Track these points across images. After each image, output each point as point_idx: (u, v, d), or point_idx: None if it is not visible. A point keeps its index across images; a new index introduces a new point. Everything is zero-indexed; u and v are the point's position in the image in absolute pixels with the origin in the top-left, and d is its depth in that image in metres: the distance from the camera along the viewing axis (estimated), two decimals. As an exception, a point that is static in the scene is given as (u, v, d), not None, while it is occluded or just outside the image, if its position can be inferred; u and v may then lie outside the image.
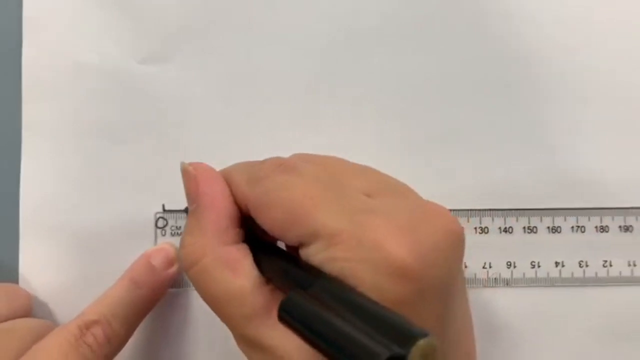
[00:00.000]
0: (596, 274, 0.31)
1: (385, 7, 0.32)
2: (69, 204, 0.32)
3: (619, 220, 0.31)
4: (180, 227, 0.32)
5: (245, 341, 0.25)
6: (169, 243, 0.31)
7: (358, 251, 0.22)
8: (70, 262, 0.32)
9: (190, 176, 0.26)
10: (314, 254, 0.23)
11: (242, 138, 0.33)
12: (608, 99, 0.32)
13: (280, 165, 0.25)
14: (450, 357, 0.24)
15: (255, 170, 0.26)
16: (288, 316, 0.21)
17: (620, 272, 0.31)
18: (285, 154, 0.28)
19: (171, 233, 0.32)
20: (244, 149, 0.31)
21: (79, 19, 0.32)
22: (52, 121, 0.32)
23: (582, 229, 0.31)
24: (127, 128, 0.32)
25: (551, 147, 0.32)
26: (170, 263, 0.30)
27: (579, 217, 0.31)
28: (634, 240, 0.31)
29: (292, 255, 0.24)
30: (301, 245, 0.24)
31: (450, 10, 0.32)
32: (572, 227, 0.31)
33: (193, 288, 0.30)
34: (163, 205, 0.32)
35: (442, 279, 0.23)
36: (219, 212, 0.25)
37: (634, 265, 0.31)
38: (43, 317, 0.32)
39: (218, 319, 0.30)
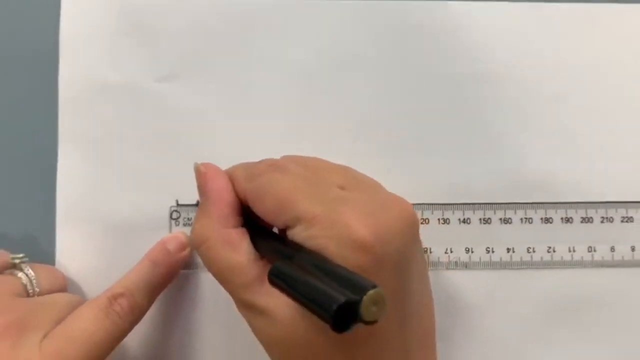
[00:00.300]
0: (541, 258, 0.34)
1: (360, 37, 0.35)
2: (98, 199, 0.35)
3: (561, 213, 0.35)
4: (190, 218, 0.34)
5: (244, 305, 0.28)
6: (181, 232, 0.34)
7: (330, 230, 0.26)
8: (99, 248, 0.35)
9: (201, 173, 0.30)
10: (297, 234, 0.27)
11: (241, 144, 0.35)
12: (550, 112, 0.35)
13: (272, 165, 0.29)
14: (408, 328, 0.27)
15: (252, 168, 0.30)
16: (275, 279, 0.25)
17: (562, 257, 0.34)
18: (277, 156, 0.31)
19: (183, 223, 0.35)
20: (242, 152, 0.33)
21: (107, 44, 0.35)
22: (83, 129, 0.35)
23: (530, 220, 0.35)
24: (146, 136, 0.35)
25: (503, 151, 0.35)
26: (182, 247, 0.34)
27: (526, 210, 0.35)
28: (574, 229, 0.34)
29: (280, 236, 0.28)
30: (287, 227, 0.27)
31: (418, 40, 0.35)
32: (521, 219, 0.34)
33: (202, 270, 0.34)
34: (177, 200, 0.35)
35: (397, 254, 0.26)
36: (222, 202, 0.29)
37: (574, 250, 0.34)
38: (75, 293, 0.34)
39: (221, 296, 0.32)
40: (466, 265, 0.34)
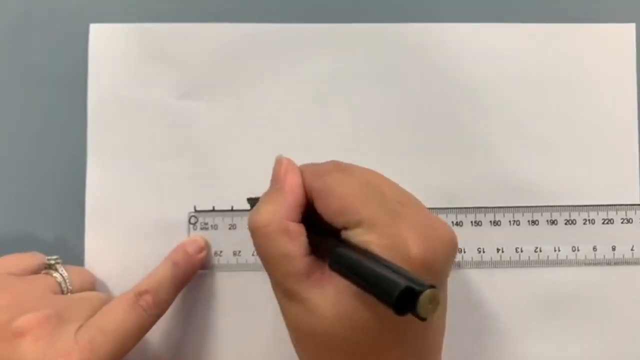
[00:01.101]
0: (529, 257, 0.36)
1: (363, 57, 0.37)
2: (123, 206, 0.37)
3: (546, 216, 0.36)
4: (207, 223, 0.36)
5: (286, 293, 0.29)
6: (199, 236, 0.37)
7: (387, 240, 0.27)
8: (123, 250, 0.37)
9: (282, 164, 0.31)
10: (354, 236, 0.28)
11: (254, 156, 0.37)
12: (534, 123, 0.37)
13: (338, 166, 0.31)
14: (432, 335, 0.29)
15: (318, 168, 0.31)
16: (337, 264, 0.26)
17: (547, 257, 0.36)
18: None
19: (200, 228, 0.37)
20: (256, 164, 0.36)
21: (131, 65, 0.37)
22: (109, 142, 0.37)
23: (517, 222, 0.37)
24: (167, 148, 0.37)
25: (492, 159, 0.37)
26: (200, 250, 0.36)
27: (514, 213, 0.37)
28: (558, 231, 0.37)
29: (337, 236, 0.29)
30: (345, 228, 0.28)
31: (414, 59, 0.37)
32: (510, 221, 0.36)
33: (217, 270, 0.36)
34: (194, 207, 0.37)
35: (440, 274, 0.28)
36: (293, 196, 0.30)
37: (559, 250, 0.36)
38: (103, 291, 0.36)
39: (234, 293, 0.36)
40: (459, 265, 0.36)
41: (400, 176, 0.36)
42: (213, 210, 0.37)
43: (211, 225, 0.37)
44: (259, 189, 0.35)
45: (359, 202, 0.28)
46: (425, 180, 0.37)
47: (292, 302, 0.29)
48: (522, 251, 0.37)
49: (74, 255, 0.37)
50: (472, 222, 0.37)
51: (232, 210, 0.37)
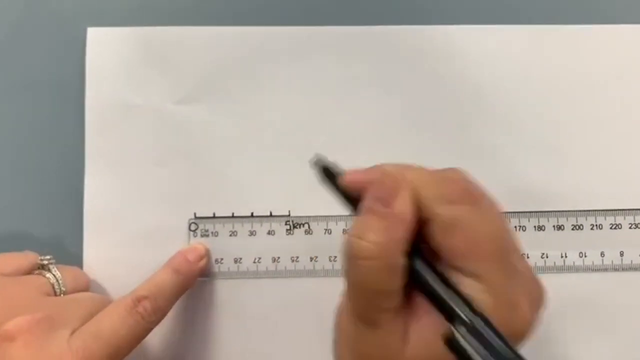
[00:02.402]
0: (535, 263, 0.36)
1: (364, 60, 0.37)
2: (122, 211, 0.37)
3: (553, 221, 0.36)
4: (207, 230, 0.36)
5: (367, 320, 0.26)
6: (200, 243, 0.36)
7: (502, 305, 0.25)
8: (123, 256, 0.37)
9: (391, 178, 0.26)
10: (465, 286, 0.25)
11: (253, 160, 0.37)
12: (540, 128, 0.37)
13: (469, 194, 0.26)
14: None
15: (443, 187, 0.26)
16: (451, 345, 0.24)
17: (554, 262, 0.36)
18: (283, 174, 0.35)
19: (201, 234, 0.36)
20: (256, 169, 0.37)
21: (130, 68, 0.37)
22: (108, 149, 0.37)
23: (524, 228, 0.36)
24: (166, 154, 0.37)
25: (499, 165, 0.37)
26: (200, 258, 0.36)
27: (520, 219, 0.36)
28: (565, 236, 0.36)
29: (443, 277, 0.25)
30: (457, 270, 0.25)
31: (418, 62, 0.37)
32: (516, 227, 0.36)
33: (216, 278, 0.36)
34: (194, 213, 0.37)
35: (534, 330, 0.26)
36: (406, 225, 0.25)
37: (566, 256, 0.36)
38: (99, 284, 0.36)
39: (234, 301, 0.36)
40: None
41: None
42: (214, 216, 0.37)
43: (212, 232, 0.37)
44: (261, 195, 0.37)
45: (485, 253, 0.25)
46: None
47: (369, 329, 0.26)
48: (528, 257, 0.36)
49: (74, 261, 0.37)
50: (477, 227, 0.36)
51: (232, 216, 0.37)
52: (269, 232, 0.37)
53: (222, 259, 0.37)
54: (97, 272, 0.37)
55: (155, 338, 0.35)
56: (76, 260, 0.37)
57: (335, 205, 0.28)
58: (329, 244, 0.36)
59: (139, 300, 0.32)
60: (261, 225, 0.37)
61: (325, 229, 0.37)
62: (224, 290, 0.37)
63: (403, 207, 0.26)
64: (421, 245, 0.26)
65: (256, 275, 0.36)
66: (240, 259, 0.37)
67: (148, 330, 0.33)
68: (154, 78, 0.37)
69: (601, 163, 0.37)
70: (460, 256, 0.25)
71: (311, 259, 0.37)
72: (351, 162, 0.30)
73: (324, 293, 0.32)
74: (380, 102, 0.37)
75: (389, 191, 0.26)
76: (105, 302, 0.33)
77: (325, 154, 0.35)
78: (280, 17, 0.38)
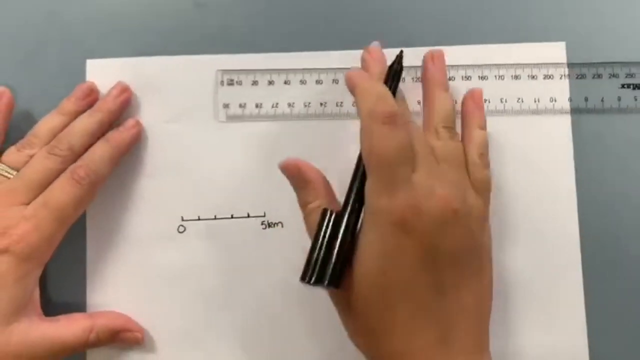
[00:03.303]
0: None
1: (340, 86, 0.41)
2: (119, 216, 0.41)
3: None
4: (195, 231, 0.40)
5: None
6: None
7: (383, 200, 0.33)
8: (120, 253, 0.41)
9: (296, 166, 0.36)
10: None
11: (232, 171, 0.41)
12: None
13: (390, 116, 0.33)
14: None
15: (374, 106, 0.34)
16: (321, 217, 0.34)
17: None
18: (259, 180, 0.39)
19: (187, 235, 0.40)
20: (233, 178, 0.40)
21: None
22: None
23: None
24: (157, 167, 0.41)
25: None
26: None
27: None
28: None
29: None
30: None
31: None
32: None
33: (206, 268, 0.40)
34: (182, 217, 0.41)
35: (426, 235, 0.32)
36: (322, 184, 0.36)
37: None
38: (103, 287, 0.40)
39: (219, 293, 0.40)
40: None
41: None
42: (198, 219, 0.41)
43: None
44: (239, 199, 0.41)
45: (381, 159, 0.33)
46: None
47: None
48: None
49: (77, 261, 0.41)
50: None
51: (215, 218, 0.41)
52: (246, 231, 0.41)
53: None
54: (99, 268, 0.41)
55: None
56: (80, 261, 0.41)
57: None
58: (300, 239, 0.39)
59: (74, 169, 0.37)
60: (239, 226, 0.41)
61: (297, 228, 0.39)
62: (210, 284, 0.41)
63: (313, 176, 0.37)
64: None
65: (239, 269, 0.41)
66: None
67: (89, 191, 0.38)
68: (145, 101, 0.42)
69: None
70: (363, 153, 0.34)
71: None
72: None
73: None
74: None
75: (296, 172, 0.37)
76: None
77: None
78: (252, 45, 0.42)
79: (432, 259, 0.32)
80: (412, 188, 0.33)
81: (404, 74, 0.38)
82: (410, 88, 0.40)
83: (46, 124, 0.39)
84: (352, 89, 0.36)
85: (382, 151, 0.33)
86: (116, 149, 0.39)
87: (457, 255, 0.33)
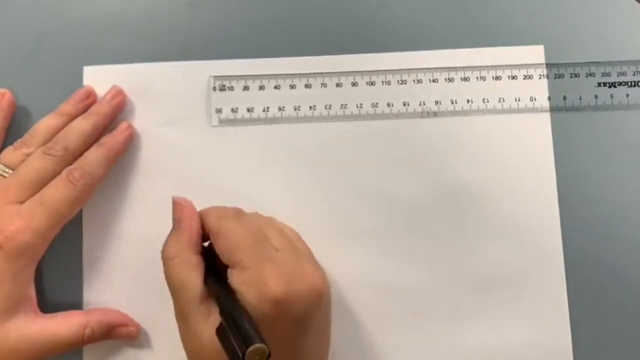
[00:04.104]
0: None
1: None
2: (115, 217, 0.41)
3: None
4: None
5: (181, 315, 0.34)
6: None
7: (254, 281, 0.33)
8: (115, 253, 0.41)
9: (179, 206, 0.37)
10: (232, 274, 0.33)
11: (223, 173, 0.42)
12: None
13: (236, 212, 0.36)
14: None
15: (223, 211, 0.36)
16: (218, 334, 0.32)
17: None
18: (251, 181, 0.40)
19: None
20: (224, 180, 0.41)
21: None
22: None
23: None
24: (151, 169, 0.42)
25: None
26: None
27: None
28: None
29: (221, 274, 0.34)
30: (229, 266, 0.34)
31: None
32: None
33: None
34: None
35: (298, 314, 0.33)
36: (191, 231, 0.36)
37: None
38: (101, 285, 0.41)
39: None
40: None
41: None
42: None
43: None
44: (233, 199, 0.41)
45: (239, 247, 0.34)
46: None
47: (185, 325, 0.34)
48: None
49: (74, 260, 0.42)
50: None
51: None
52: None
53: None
54: (95, 265, 0.41)
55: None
56: (76, 260, 0.41)
57: (296, 209, 0.38)
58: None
59: (70, 171, 0.39)
60: None
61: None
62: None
63: (185, 222, 0.36)
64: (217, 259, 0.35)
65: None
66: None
67: (83, 192, 0.39)
68: (140, 106, 0.43)
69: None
70: (224, 253, 0.34)
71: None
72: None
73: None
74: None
75: (175, 215, 0.37)
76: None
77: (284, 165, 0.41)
78: (243, 50, 0.44)
79: None
80: None
81: (389, 77, 0.40)
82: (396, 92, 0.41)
83: (43, 124, 0.41)
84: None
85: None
86: (109, 151, 0.40)
87: None
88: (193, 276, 0.34)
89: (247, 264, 0.33)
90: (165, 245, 0.36)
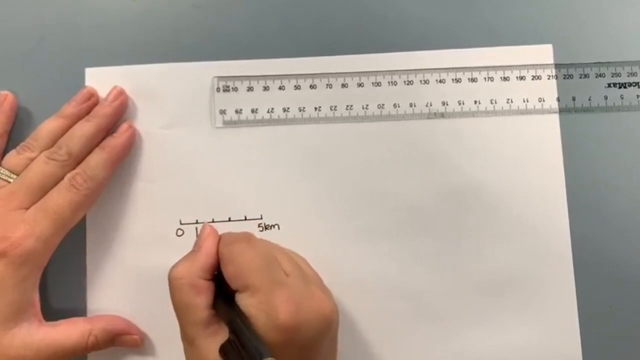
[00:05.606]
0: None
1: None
2: (119, 220, 0.41)
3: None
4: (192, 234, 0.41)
5: (187, 338, 0.34)
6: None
7: (264, 305, 0.32)
8: (120, 254, 0.41)
9: (205, 231, 0.37)
10: (242, 298, 0.33)
11: (228, 175, 0.41)
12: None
13: (246, 236, 0.36)
14: None
15: (231, 236, 0.36)
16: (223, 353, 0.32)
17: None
18: (256, 184, 0.40)
19: (186, 237, 0.41)
20: (229, 182, 0.41)
21: None
22: None
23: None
24: (155, 171, 0.41)
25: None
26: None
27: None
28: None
29: (231, 297, 0.34)
30: (238, 290, 0.34)
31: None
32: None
33: None
34: (180, 220, 0.41)
35: (307, 340, 0.33)
36: (208, 259, 0.35)
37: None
38: (104, 287, 0.41)
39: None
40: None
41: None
42: (196, 222, 0.42)
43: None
44: (237, 202, 0.42)
45: (249, 270, 0.34)
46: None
47: (190, 347, 0.34)
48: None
49: (77, 261, 0.41)
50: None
51: (213, 222, 0.42)
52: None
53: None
54: (98, 267, 0.41)
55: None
56: (79, 266, 0.41)
57: (300, 211, 0.38)
58: (297, 241, 0.41)
59: (73, 176, 0.38)
60: (237, 228, 0.41)
61: (293, 230, 0.42)
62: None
63: (206, 246, 0.36)
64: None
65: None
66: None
67: (87, 197, 0.38)
68: (144, 108, 0.42)
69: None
70: (234, 278, 0.34)
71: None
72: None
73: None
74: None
75: (200, 238, 0.37)
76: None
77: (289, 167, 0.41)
78: (247, 50, 0.43)
79: None
80: None
81: (396, 78, 0.40)
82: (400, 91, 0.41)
83: (46, 127, 0.40)
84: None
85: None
86: (111, 154, 0.40)
87: None
88: (198, 300, 0.34)
89: (257, 287, 0.33)
90: (176, 264, 0.36)
